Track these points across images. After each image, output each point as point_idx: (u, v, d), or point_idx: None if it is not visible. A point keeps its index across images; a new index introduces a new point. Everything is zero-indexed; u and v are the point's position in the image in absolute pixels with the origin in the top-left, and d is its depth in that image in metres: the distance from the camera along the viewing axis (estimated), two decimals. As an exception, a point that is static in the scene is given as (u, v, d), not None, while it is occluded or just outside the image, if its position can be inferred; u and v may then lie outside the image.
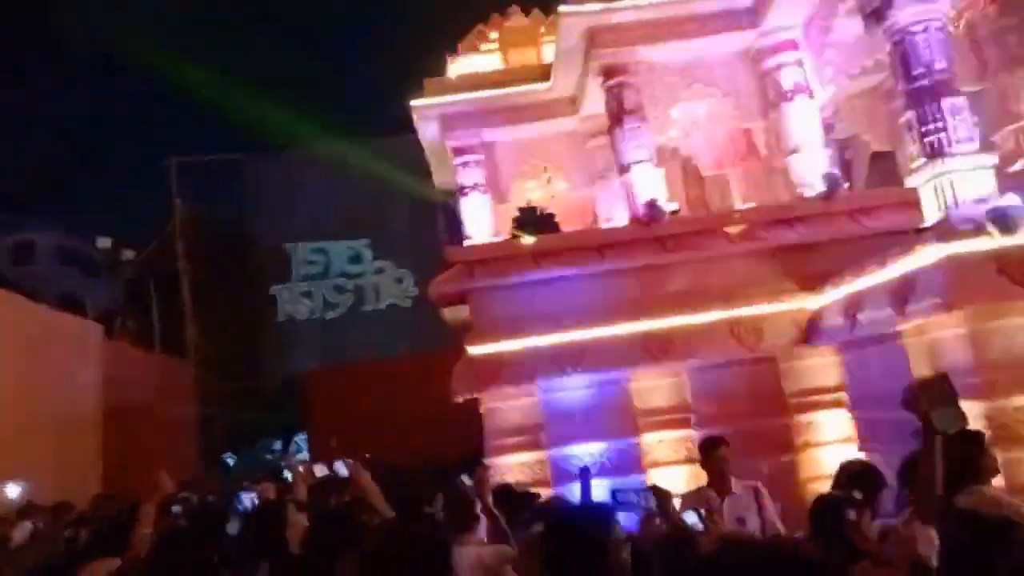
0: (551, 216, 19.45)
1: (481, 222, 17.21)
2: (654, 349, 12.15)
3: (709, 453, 8.64)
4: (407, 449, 22.11)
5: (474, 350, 12.54)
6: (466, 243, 16.55)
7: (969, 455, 6.07)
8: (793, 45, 14.54)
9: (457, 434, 16.80)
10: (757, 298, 12.42)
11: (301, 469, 8.87)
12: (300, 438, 38.61)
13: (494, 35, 18.74)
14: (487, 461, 12.51)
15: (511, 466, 12.24)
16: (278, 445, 42.59)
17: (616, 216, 16.68)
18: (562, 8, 14.63)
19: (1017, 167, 13.13)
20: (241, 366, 40.73)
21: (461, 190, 17.65)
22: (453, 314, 14.55)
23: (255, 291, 41.96)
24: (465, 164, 17.51)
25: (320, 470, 8.19)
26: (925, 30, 10.40)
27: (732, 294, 12.43)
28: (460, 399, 12.74)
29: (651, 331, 12.26)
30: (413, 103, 17.35)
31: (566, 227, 19.00)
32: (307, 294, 41.75)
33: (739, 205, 15.35)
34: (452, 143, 17.61)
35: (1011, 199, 9.23)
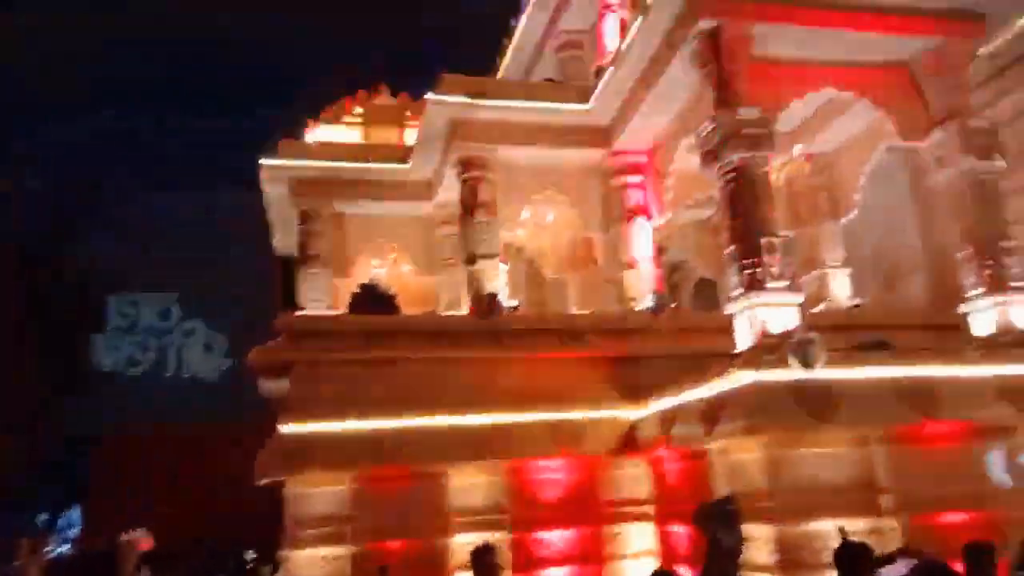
0: (392, 297, 19.17)
1: (318, 293, 16.59)
2: (476, 445, 11.93)
3: (479, 559, 8.25)
4: (200, 526, 20.16)
5: (288, 428, 11.73)
6: (298, 313, 15.82)
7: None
8: (639, 169, 15.58)
9: (256, 516, 15.53)
10: (581, 403, 12.64)
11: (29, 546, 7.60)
12: (74, 513, 33.22)
13: (359, 110, 18.73)
14: (284, 552, 11.57)
15: (311, 560, 11.33)
16: (44, 517, 36.22)
17: (456, 305, 16.68)
18: (429, 96, 14.92)
19: (819, 308, 14.58)
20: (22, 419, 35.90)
21: (302, 257, 17.03)
22: (271, 387, 13.64)
23: (57, 339, 37.75)
24: (310, 232, 16.98)
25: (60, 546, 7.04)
26: (752, 175, 11.47)
27: (558, 397, 12.57)
28: (264, 481, 11.77)
29: (475, 426, 12.06)
30: (264, 162, 16.79)
31: (406, 310, 18.75)
32: (115, 347, 38.13)
33: (575, 310, 15.85)
34: (300, 208, 17.09)
35: (812, 335, 10.09)
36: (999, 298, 11.57)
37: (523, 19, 21.04)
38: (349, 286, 17.70)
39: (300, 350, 12.53)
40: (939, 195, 14.49)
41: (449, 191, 16.24)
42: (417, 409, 11.92)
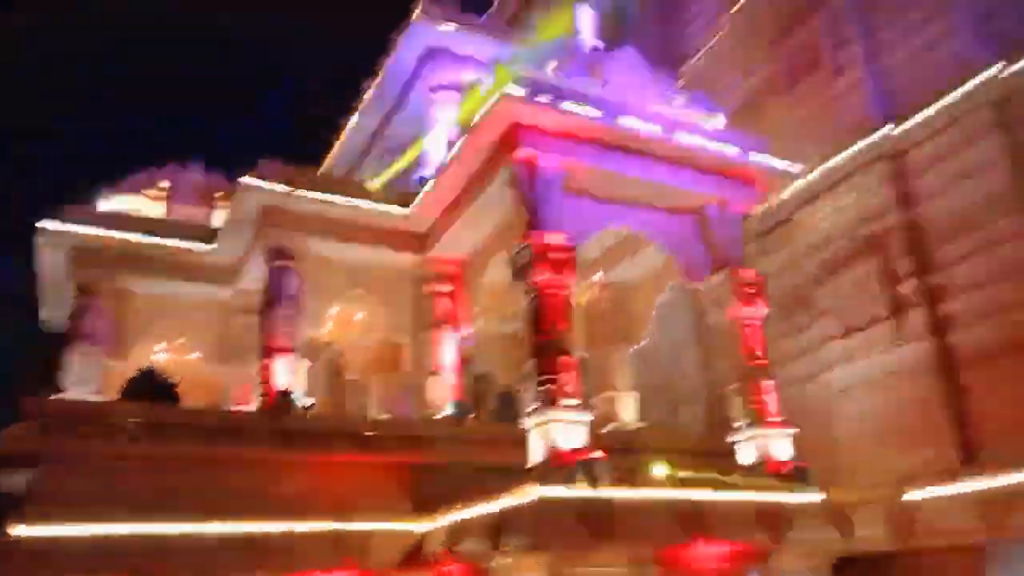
0: (173, 386, 17.58)
1: (86, 375, 14.83)
2: (251, 557, 10.89)
3: None
4: None
5: (24, 530, 10.04)
6: (56, 396, 13.95)
7: None
8: (451, 278, 15.86)
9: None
10: (370, 514, 12.06)
11: None
12: None
13: (165, 183, 17.66)
14: None
15: None
16: None
17: (247, 401, 15.60)
18: (245, 179, 14.43)
19: (607, 429, 15.28)
20: None
21: (72, 334, 15.26)
22: (11, 480, 11.71)
23: None
24: (88, 306, 15.34)
25: None
26: (555, 296, 12.08)
27: (347, 505, 11.93)
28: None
29: (252, 535, 11.06)
30: (43, 225, 15.15)
31: (189, 402, 17.25)
32: None
33: (375, 415, 15.42)
34: (78, 280, 15.48)
35: (598, 454, 10.49)
36: (760, 431, 12.79)
37: (353, 119, 21.34)
38: (125, 371, 16.05)
39: (50, 439, 10.95)
40: (715, 334, 16.07)
41: (254, 278, 15.53)
42: (187, 513, 10.73)
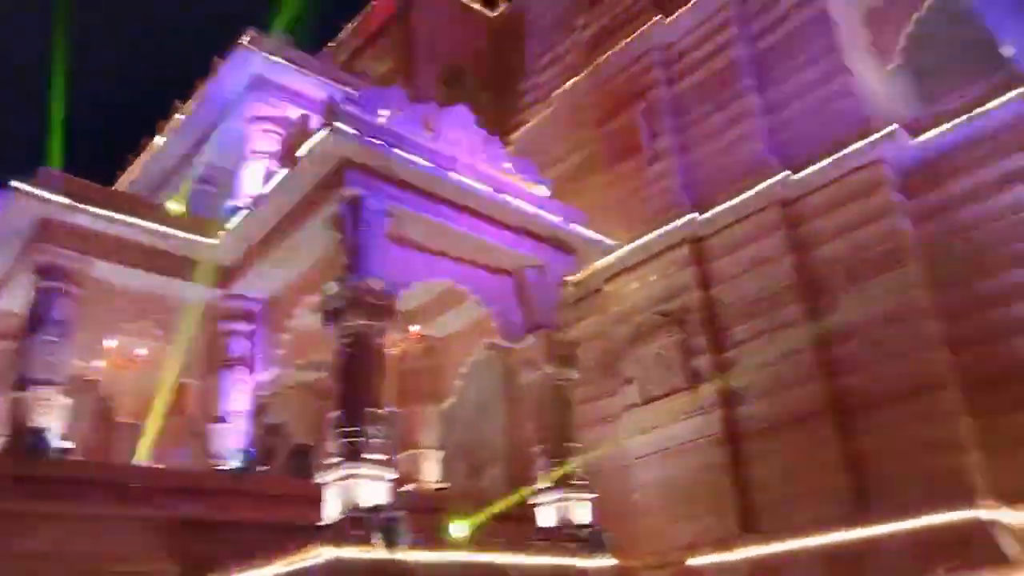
0: None
1: None
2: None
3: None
4: None
5: None
6: None
7: None
8: (252, 317, 14.72)
9: None
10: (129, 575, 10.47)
11: None
12: None
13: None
14: None
15: None
16: None
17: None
18: (16, 183, 12.58)
19: (409, 487, 14.64)
20: None
21: None
22: None
23: None
24: None
25: None
26: (369, 344, 11.47)
27: (99, 567, 10.25)
28: None
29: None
30: None
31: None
32: None
33: (147, 462, 13.64)
34: None
35: (398, 513, 9.87)
36: (561, 494, 12.81)
37: (160, 140, 19.68)
38: None
39: None
40: (524, 395, 16.14)
41: (15, 299, 13.46)
42: None
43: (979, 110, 13.37)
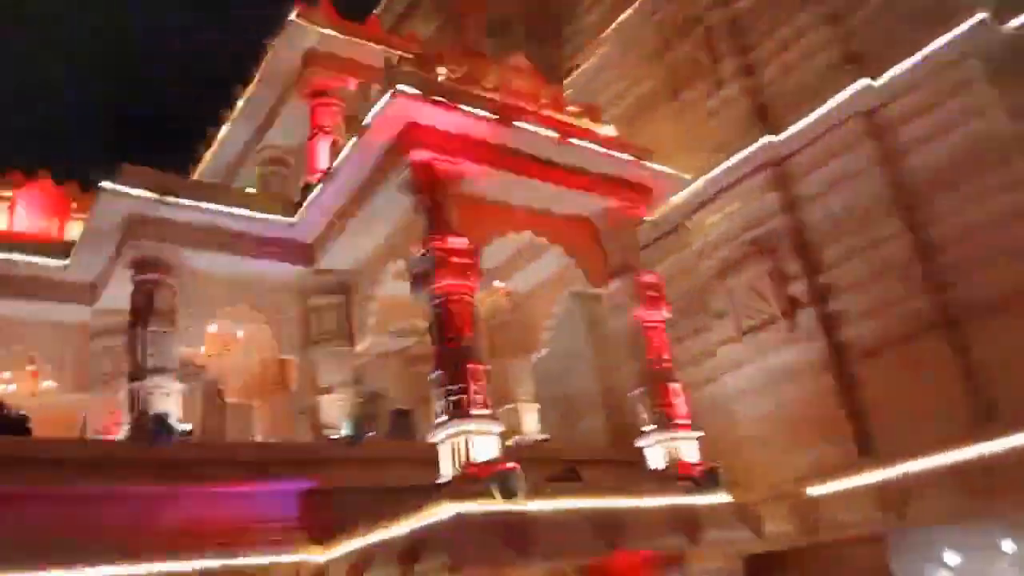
0: (23, 419, 15.51)
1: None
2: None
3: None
4: None
5: None
6: None
7: None
8: (342, 290, 14.94)
9: None
10: (262, 545, 10.95)
11: None
12: None
13: (7, 193, 15.71)
14: None
15: None
16: None
17: (111, 431, 13.96)
18: (105, 184, 12.95)
19: (512, 441, 14.80)
20: None
21: None
22: None
23: None
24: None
25: None
26: (459, 303, 11.53)
27: (234, 539, 10.76)
28: None
29: (128, 577, 9.72)
30: None
31: (43, 434, 15.23)
32: None
33: (260, 438, 14.18)
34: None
35: (513, 465, 9.98)
36: (668, 435, 12.72)
37: (225, 128, 19.98)
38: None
39: None
40: (613, 340, 16.03)
41: (117, 296, 13.98)
42: (51, 560, 9.25)
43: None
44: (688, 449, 12.73)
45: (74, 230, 15.14)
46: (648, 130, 17.72)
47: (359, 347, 14.79)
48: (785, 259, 14.95)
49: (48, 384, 14.97)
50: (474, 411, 10.54)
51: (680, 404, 13.09)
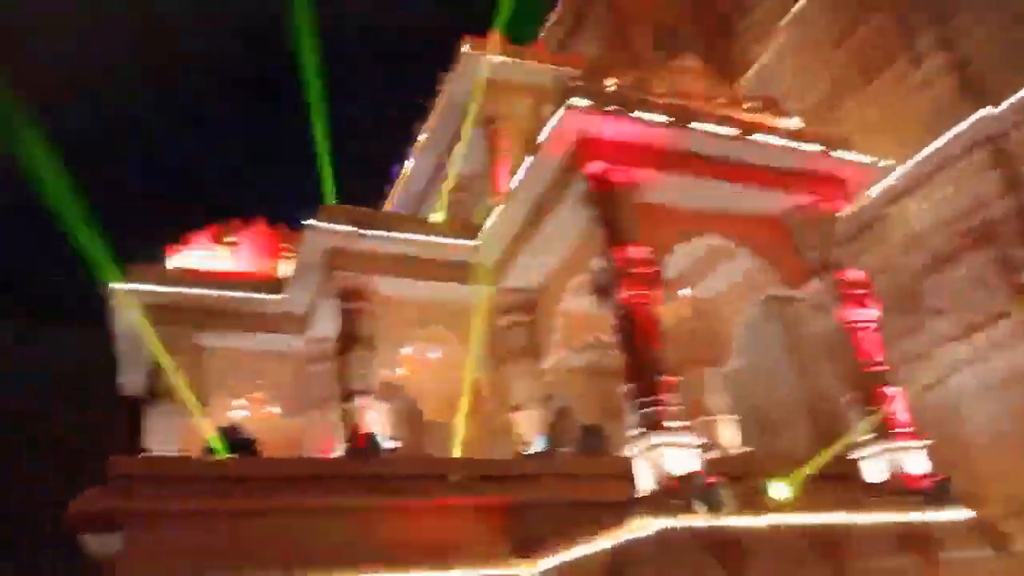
0: (252, 442, 17.16)
1: (166, 435, 14.51)
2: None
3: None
4: None
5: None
6: (142, 455, 13.63)
7: None
8: (527, 308, 15.16)
9: None
10: (470, 559, 11.20)
11: None
12: None
13: (231, 238, 17.55)
14: None
15: None
16: None
17: (327, 450, 15.03)
18: (310, 222, 14.14)
19: (712, 455, 14.17)
20: None
21: (151, 394, 15.01)
22: (98, 544, 11.23)
23: None
24: (163, 366, 15.06)
25: None
26: (644, 313, 11.28)
27: (444, 552, 11.10)
28: None
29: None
30: (113, 286, 15.04)
31: (268, 455, 16.77)
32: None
33: (458, 454, 14.64)
34: (153, 339, 15.24)
35: (717, 479, 9.53)
36: (889, 444, 11.58)
37: (409, 163, 21.13)
38: (206, 427, 15.69)
39: (133, 499, 10.39)
40: (815, 344, 14.94)
41: (325, 325, 15.12)
42: (280, 566, 10.05)
43: None
44: (912, 459, 11.50)
45: (283, 268, 16.57)
46: (837, 121, 16.52)
47: (546, 363, 14.90)
48: (1012, 246, 13.22)
49: (270, 410, 16.41)
50: (669, 423, 10.20)
51: (900, 410, 11.88)
